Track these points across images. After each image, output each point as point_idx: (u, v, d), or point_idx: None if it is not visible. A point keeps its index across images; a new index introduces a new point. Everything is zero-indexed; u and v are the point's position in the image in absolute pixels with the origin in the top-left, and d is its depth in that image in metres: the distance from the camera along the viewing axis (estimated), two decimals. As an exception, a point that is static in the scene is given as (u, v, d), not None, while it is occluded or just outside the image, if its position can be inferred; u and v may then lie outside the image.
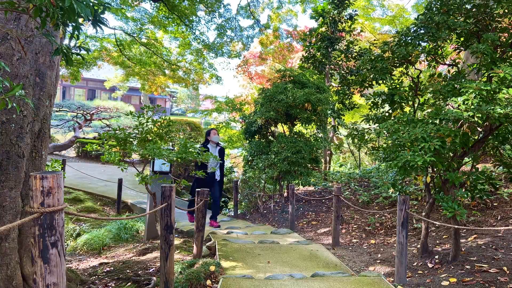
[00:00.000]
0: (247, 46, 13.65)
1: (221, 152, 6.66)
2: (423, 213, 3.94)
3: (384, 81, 4.05)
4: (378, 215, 6.13)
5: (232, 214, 9.61)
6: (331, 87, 10.24)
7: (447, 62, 4.06)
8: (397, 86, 4.01)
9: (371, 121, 4.20)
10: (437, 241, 4.53)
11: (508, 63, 3.31)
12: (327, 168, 11.06)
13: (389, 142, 3.49)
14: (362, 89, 4.36)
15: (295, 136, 8.27)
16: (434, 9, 3.86)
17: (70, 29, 1.86)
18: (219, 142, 6.73)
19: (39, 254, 1.44)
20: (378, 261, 4.25)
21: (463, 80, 3.55)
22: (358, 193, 7.58)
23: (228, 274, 3.42)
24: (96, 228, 6.59)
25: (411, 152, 3.01)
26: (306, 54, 10.56)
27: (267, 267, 3.71)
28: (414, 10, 15.41)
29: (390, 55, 3.93)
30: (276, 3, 14.00)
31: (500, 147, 3.76)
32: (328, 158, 11.14)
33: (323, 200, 8.01)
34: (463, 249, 3.84)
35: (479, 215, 4.84)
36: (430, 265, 3.72)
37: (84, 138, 16.98)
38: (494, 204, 5.02)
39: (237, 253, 4.18)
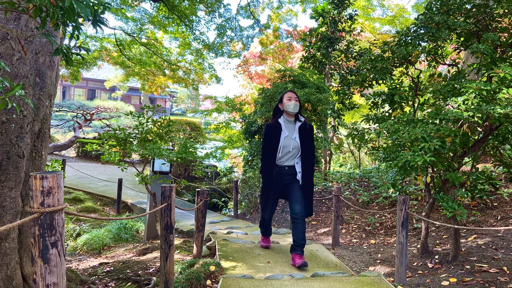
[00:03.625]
0: (247, 46, 13.65)
1: (305, 130, 3.81)
2: (423, 213, 3.94)
3: (384, 81, 4.05)
4: (378, 215, 6.13)
5: (232, 214, 9.61)
6: (331, 87, 10.24)
7: (447, 62, 4.06)
8: (397, 86, 4.01)
9: (371, 121, 4.19)
10: (437, 241, 4.53)
11: (508, 63, 3.31)
12: (327, 168, 11.06)
13: (389, 142, 3.49)
14: (362, 89, 4.36)
15: (295, 136, 8.26)
16: (434, 9, 3.86)
17: (70, 29, 1.86)
18: (300, 115, 3.89)
19: (39, 254, 1.44)
20: (378, 261, 4.25)
21: (463, 80, 3.55)
22: (358, 193, 7.58)
23: (228, 274, 3.42)
24: (96, 228, 6.59)
25: (411, 152, 3.01)
26: (306, 54, 10.56)
27: (267, 267, 3.71)
28: (414, 10, 15.41)
29: (390, 55, 3.93)
30: (276, 3, 14.01)
31: (500, 147, 3.76)
32: (328, 158, 11.15)
33: (323, 200, 8.01)
34: (463, 249, 3.84)
35: (479, 215, 4.84)
36: (430, 265, 3.72)
37: (84, 138, 16.99)
38: (494, 204, 5.02)
39: (237, 253, 4.18)
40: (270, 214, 4.00)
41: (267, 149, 3.79)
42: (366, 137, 4.32)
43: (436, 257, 3.84)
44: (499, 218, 4.62)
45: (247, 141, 9.86)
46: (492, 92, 2.97)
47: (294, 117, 3.81)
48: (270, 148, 3.76)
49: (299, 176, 3.75)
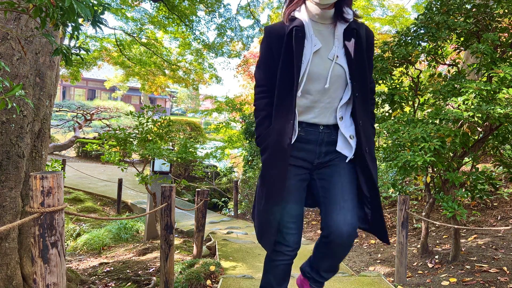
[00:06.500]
0: (247, 46, 13.64)
1: (359, 41, 1.58)
2: (423, 213, 3.93)
3: (384, 81, 4.05)
4: (378, 215, 6.13)
5: (232, 214, 9.61)
6: (331, 87, 10.23)
7: (447, 62, 4.07)
8: (397, 86, 4.01)
9: (371, 121, 4.19)
10: (437, 241, 4.53)
11: (508, 63, 3.31)
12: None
13: (389, 142, 3.49)
14: (362, 89, 4.35)
15: (295, 136, 8.26)
16: (434, 9, 3.86)
17: (70, 29, 1.86)
18: (346, 8, 1.56)
19: (39, 254, 1.44)
20: (378, 261, 4.25)
21: (463, 80, 3.55)
22: (358, 193, 7.58)
23: (228, 274, 3.42)
24: (96, 228, 6.59)
25: (411, 152, 3.01)
26: (306, 54, 10.56)
27: (267, 267, 3.71)
28: (414, 10, 15.40)
29: (390, 55, 3.93)
30: (276, 3, 13.99)
31: (500, 147, 3.76)
32: (328, 158, 11.14)
33: (323, 200, 8.01)
34: (463, 249, 3.84)
35: (479, 215, 4.84)
36: (430, 265, 3.72)
37: (84, 138, 16.98)
38: (494, 204, 5.02)
39: (237, 253, 4.18)
40: (284, 238, 1.71)
41: (263, 85, 1.67)
42: (366, 137, 4.31)
43: (436, 257, 3.84)
44: (499, 218, 4.61)
45: (247, 141, 9.86)
46: (492, 92, 2.97)
47: (332, 6, 1.57)
48: (269, 82, 1.64)
49: (351, 146, 1.63)
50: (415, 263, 3.90)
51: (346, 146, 1.64)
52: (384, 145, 3.83)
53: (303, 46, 1.56)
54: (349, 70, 1.58)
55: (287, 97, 1.58)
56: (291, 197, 1.64)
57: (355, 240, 5.46)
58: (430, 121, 3.32)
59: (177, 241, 5.69)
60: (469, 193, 3.53)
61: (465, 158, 3.70)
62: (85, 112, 16.59)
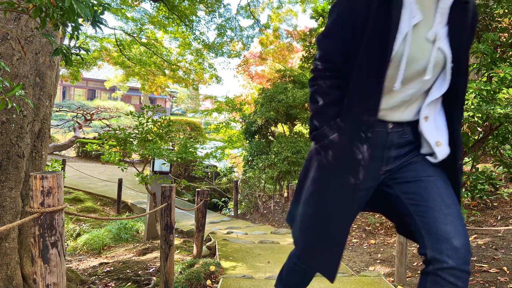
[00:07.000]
0: (247, 46, 13.65)
1: (465, 18, 1.19)
2: (423, 213, 3.93)
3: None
4: (378, 215, 6.13)
5: (232, 214, 9.61)
6: (331, 87, 10.22)
7: (447, 62, 4.07)
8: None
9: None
10: (437, 241, 4.53)
11: (508, 63, 3.30)
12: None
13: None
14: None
15: (295, 136, 8.28)
16: (434, 9, 3.87)
17: (70, 29, 1.86)
18: None
19: (39, 254, 1.44)
20: (378, 261, 4.25)
21: (463, 80, 3.55)
22: (358, 193, 7.58)
23: (228, 274, 3.42)
24: (96, 228, 6.59)
25: (411, 152, 3.01)
26: (306, 54, 10.56)
27: (267, 267, 3.71)
28: (414, 10, 15.40)
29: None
30: (276, 3, 14.01)
31: (500, 147, 3.76)
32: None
33: (323, 200, 8.01)
34: (463, 249, 3.84)
35: (479, 215, 4.84)
36: (430, 265, 3.72)
37: (84, 138, 16.99)
38: (494, 204, 5.02)
39: (237, 253, 4.18)
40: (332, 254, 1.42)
41: (332, 60, 1.25)
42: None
43: (436, 257, 3.84)
44: (499, 218, 4.62)
45: (247, 141, 9.86)
46: (492, 92, 2.98)
47: None
48: (340, 57, 1.23)
49: (435, 154, 1.22)
50: (415, 263, 3.90)
51: (428, 153, 1.25)
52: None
53: (400, 16, 1.13)
54: (453, 58, 1.18)
55: (370, 83, 1.16)
56: (351, 210, 1.30)
57: (355, 241, 5.47)
58: (430, 121, 3.31)
59: (177, 241, 5.69)
60: (469, 193, 3.53)
61: (465, 158, 3.70)
62: (85, 112, 16.59)
